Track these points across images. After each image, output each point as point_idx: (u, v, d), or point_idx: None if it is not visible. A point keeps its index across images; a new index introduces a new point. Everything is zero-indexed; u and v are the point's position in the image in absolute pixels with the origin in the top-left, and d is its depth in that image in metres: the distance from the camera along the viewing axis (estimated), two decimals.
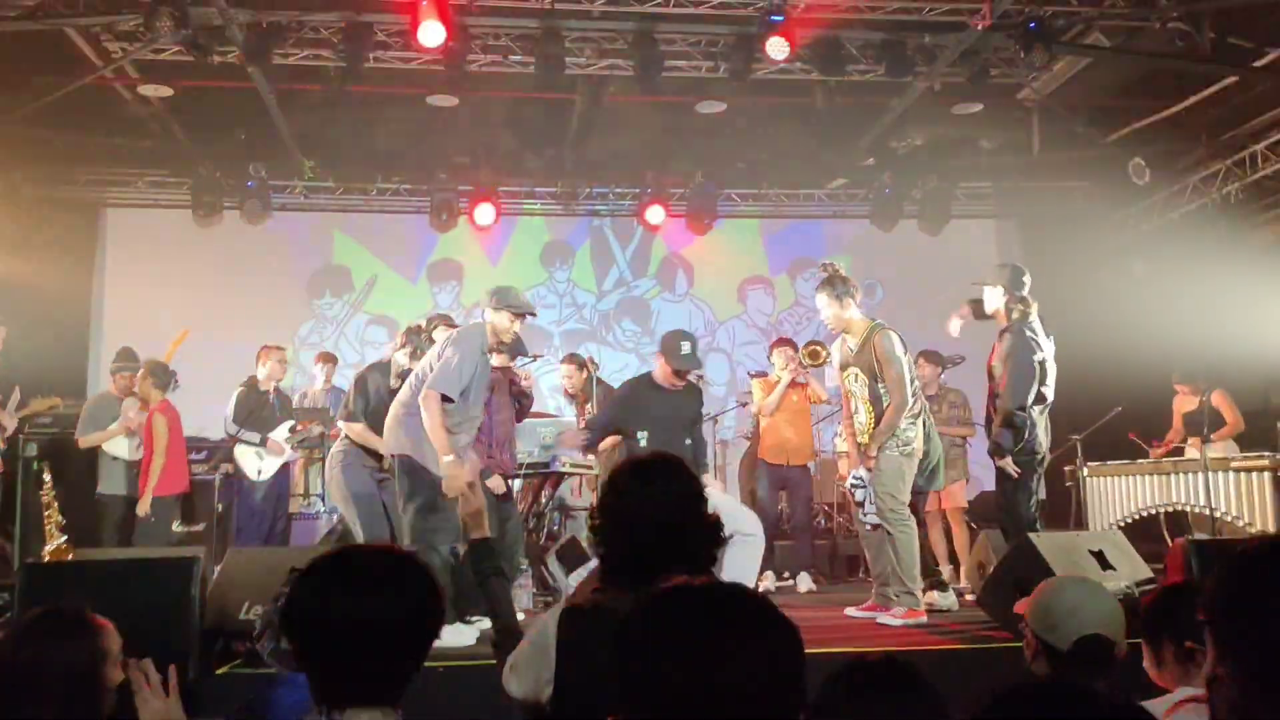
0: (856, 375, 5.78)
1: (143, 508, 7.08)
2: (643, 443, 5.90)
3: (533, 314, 5.81)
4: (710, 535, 2.28)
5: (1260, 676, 1.22)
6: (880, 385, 5.68)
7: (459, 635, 5.33)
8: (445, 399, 5.33)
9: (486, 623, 5.98)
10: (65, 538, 6.80)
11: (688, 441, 6.09)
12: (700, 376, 6.38)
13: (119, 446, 7.52)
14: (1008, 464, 5.73)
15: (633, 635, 1.21)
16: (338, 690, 1.66)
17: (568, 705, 2.11)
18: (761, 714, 1.12)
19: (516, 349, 6.41)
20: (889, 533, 5.65)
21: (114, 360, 8.02)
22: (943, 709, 1.53)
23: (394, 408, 5.61)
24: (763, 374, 8.26)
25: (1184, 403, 7.89)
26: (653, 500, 2.25)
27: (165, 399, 7.30)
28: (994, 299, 5.92)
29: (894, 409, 5.63)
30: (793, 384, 7.79)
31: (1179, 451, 7.68)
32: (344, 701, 1.64)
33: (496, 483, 6.22)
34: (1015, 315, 5.82)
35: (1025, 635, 2.65)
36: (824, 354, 7.57)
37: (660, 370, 6.09)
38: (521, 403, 6.55)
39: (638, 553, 2.19)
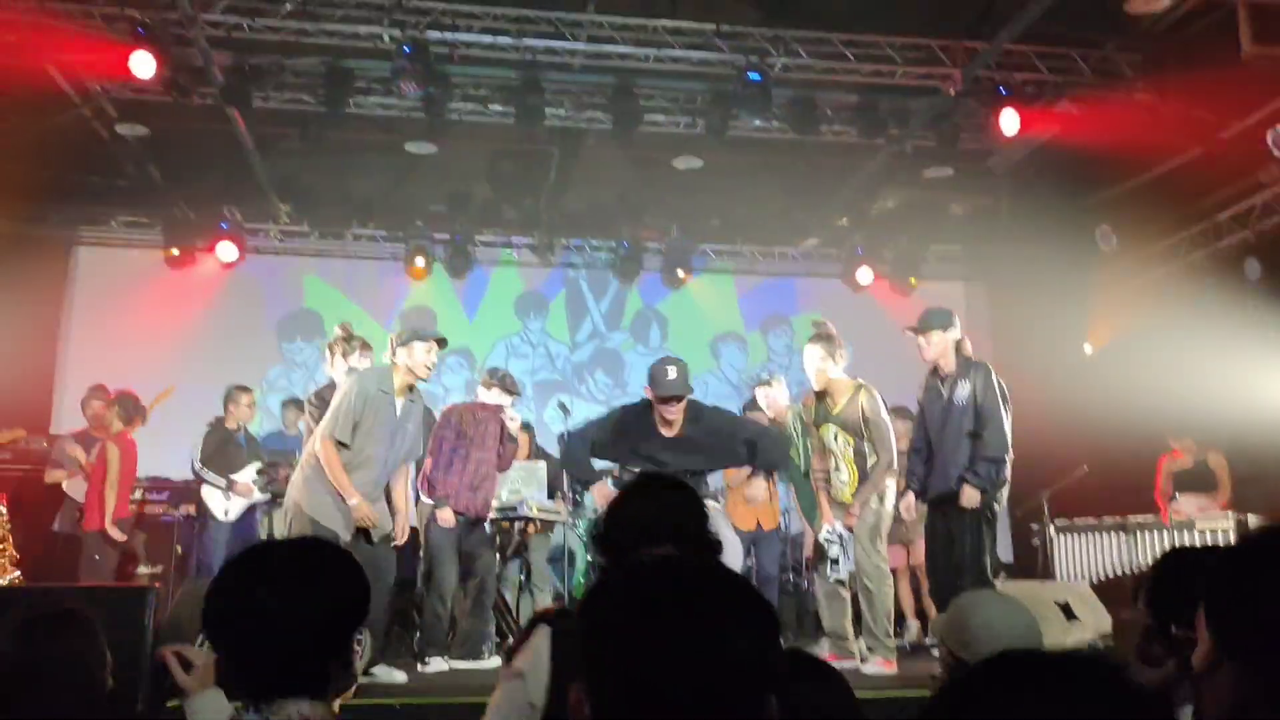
0: (838, 434, 5.80)
1: (113, 532, 6.94)
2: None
3: (442, 341, 5.56)
4: (710, 551, 2.28)
5: (1261, 666, 1.19)
6: (865, 444, 5.70)
7: (388, 674, 5.33)
8: (341, 444, 5.26)
9: (444, 664, 5.91)
10: (18, 572, 6.66)
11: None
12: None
13: (76, 487, 7.44)
14: (975, 498, 5.46)
15: (595, 606, 1.17)
16: (262, 683, 1.64)
17: None
18: (727, 694, 1.06)
19: (508, 384, 6.39)
20: (868, 587, 5.63)
21: (87, 394, 7.98)
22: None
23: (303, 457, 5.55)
24: None
25: (1173, 462, 7.92)
26: (656, 511, 2.25)
27: (124, 431, 7.20)
28: (945, 341, 5.76)
29: (884, 467, 5.66)
30: None
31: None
32: (269, 694, 1.63)
33: (446, 515, 6.08)
34: (969, 356, 5.78)
35: (940, 651, 2.54)
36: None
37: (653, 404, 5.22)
38: (506, 446, 6.42)
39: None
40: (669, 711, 1.06)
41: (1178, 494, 7.02)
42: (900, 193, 10.78)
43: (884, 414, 5.81)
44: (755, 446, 5.37)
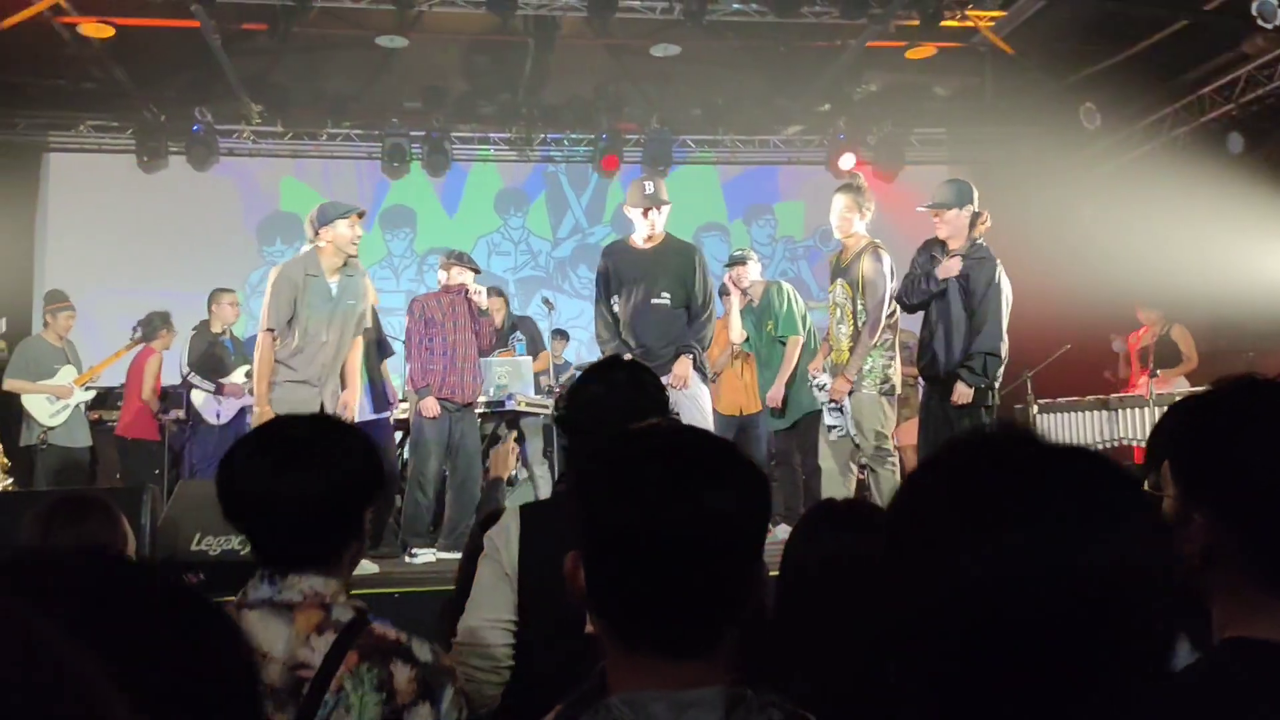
0: (843, 288, 5.74)
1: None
2: (615, 308, 5.56)
3: (361, 212, 5.60)
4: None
5: (1231, 513, 1.16)
6: (860, 301, 5.63)
7: (360, 566, 5.35)
8: (279, 336, 5.32)
9: (431, 555, 6.00)
10: (10, 480, 6.70)
11: (663, 302, 5.50)
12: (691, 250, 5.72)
13: (39, 408, 7.42)
14: (967, 395, 5.27)
15: (590, 472, 1.19)
16: (275, 557, 1.69)
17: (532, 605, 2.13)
18: (711, 549, 1.09)
19: (466, 261, 6.38)
20: (874, 469, 5.63)
21: (48, 302, 7.92)
22: None
23: None
24: None
25: (1140, 338, 7.99)
26: (616, 392, 2.28)
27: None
28: (960, 218, 5.45)
29: (869, 327, 5.54)
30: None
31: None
32: (283, 567, 1.67)
33: (429, 405, 6.11)
34: (980, 240, 5.56)
35: None
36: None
37: (634, 219, 5.61)
38: (480, 324, 6.38)
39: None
40: (655, 568, 1.08)
41: (1159, 370, 7.08)
42: (883, 76, 10.61)
43: (882, 275, 5.60)
44: (701, 307, 5.60)
